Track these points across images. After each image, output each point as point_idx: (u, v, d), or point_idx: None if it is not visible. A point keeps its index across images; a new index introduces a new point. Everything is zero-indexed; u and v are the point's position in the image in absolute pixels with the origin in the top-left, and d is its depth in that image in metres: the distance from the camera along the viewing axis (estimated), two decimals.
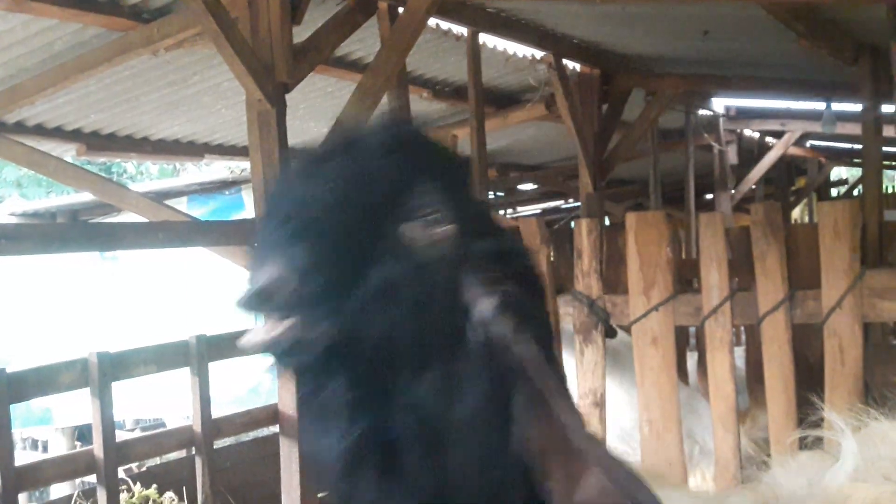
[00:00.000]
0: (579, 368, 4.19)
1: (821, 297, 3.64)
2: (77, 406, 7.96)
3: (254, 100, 4.20)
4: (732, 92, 9.85)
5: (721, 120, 10.68)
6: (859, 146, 7.13)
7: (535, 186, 13.89)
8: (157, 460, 5.80)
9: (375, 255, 1.18)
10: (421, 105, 7.33)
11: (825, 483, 1.67)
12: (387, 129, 1.29)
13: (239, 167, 9.07)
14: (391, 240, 1.19)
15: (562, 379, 1.27)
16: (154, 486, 5.17)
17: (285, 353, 1.19)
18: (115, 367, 3.50)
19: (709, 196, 13.57)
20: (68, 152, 7.22)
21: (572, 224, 4.58)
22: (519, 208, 15.84)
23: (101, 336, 8.60)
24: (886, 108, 6.48)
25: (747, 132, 11.83)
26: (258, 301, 1.16)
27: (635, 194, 14.30)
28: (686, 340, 6.85)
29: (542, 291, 1.30)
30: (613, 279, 5.41)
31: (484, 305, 1.18)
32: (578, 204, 9.02)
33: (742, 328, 6.07)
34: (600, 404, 4.15)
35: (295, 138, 6.92)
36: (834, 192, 18.69)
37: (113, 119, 6.87)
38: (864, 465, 1.67)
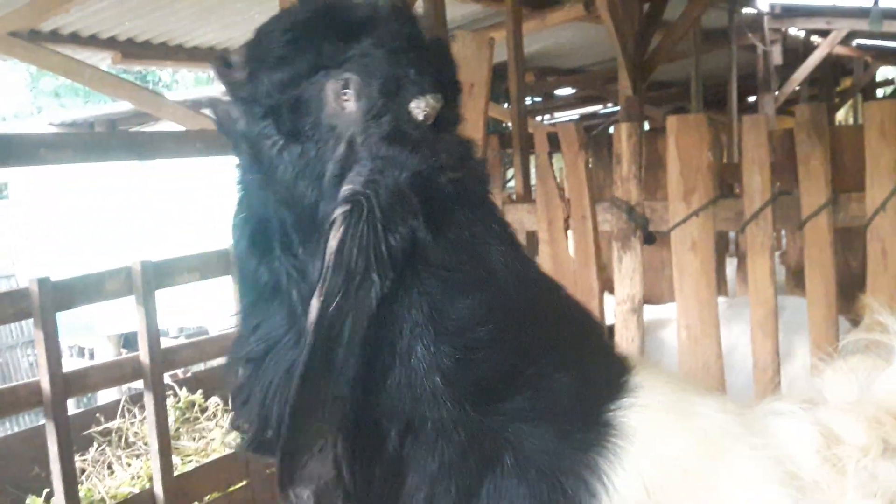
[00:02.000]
0: (617, 275, 4.18)
1: (865, 199, 3.57)
2: (121, 314, 8.14)
3: (288, 3, 4.14)
4: None
5: (765, 18, 10.38)
6: None
7: (574, 91, 13.68)
8: (201, 366, 5.94)
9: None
10: (455, 7, 7.19)
11: (876, 387, 1.58)
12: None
13: None
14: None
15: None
16: (200, 391, 5.30)
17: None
18: (158, 274, 3.55)
19: (752, 98, 13.32)
20: (104, 61, 7.21)
21: (611, 129, 4.51)
22: (557, 114, 15.66)
23: (143, 245, 8.73)
24: None
25: (792, 31, 11.50)
26: (219, 68, 1.47)
27: (676, 97, 14.06)
28: (725, 246, 6.81)
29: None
30: (653, 185, 5.36)
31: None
32: (617, 108, 8.88)
33: (783, 233, 6.01)
34: (637, 311, 4.15)
35: None
36: (880, 92, 18.25)
37: (148, 26, 6.83)
38: None
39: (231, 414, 1.61)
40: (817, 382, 1.63)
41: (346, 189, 1.33)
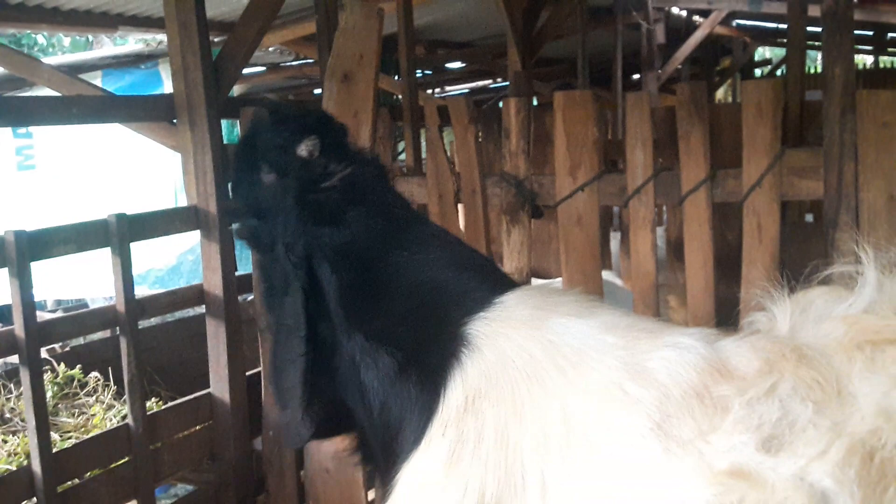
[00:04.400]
0: (506, 249, 4.23)
1: (742, 176, 3.70)
2: None
3: None
4: None
5: None
6: (784, 26, 7.16)
7: (464, 65, 13.71)
8: (80, 341, 5.76)
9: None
10: None
11: (834, 314, 1.63)
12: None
13: (156, 39, 8.72)
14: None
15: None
16: (78, 366, 5.14)
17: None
18: (33, 246, 3.41)
19: (636, 76, 13.61)
20: None
21: (500, 104, 4.54)
22: (447, 87, 15.67)
23: (19, 215, 8.38)
24: None
25: (675, 10, 11.79)
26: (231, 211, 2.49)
27: (563, 74, 14.24)
28: (610, 221, 6.97)
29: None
30: (540, 159, 5.43)
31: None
32: (507, 83, 8.95)
33: (664, 208, 6.18)
34: (526, 283, 4.21)
35: (213, 10, 6.68)
36: (758, 72, 18.90)
37: None
38: (880, 300, 1.60)
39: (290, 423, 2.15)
40: (772, 311, 1.70)
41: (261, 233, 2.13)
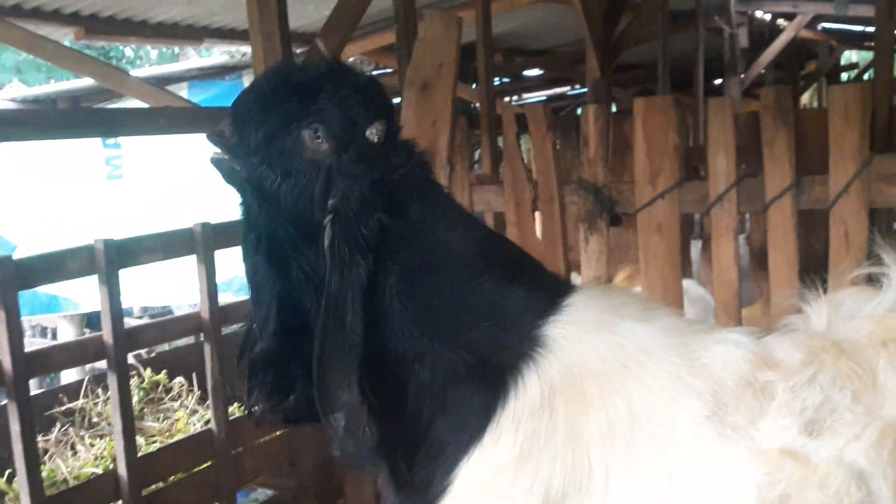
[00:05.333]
0: (584, 257, 4.19)
1: (828, 182, 3.61)
2: (85, 293, 8.05)
3: None
4: None
5: (732, 1, 10.42)
6: (872, 29, 6.96)
7: (542, 72, 13.67)
8: (165, 347, 5.89)
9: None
10: None
11: (863, 313, 1.79)
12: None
13: (240, 51, 8.92)
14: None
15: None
16: (164, 371, 5.26)
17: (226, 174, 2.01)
18: (121, 254, 3.51)
19: (718, 81, 13.37)
20: (67, 36, 7.08)
21: (579, 111, 4.51)
22: (525, 95, 15.64)
23: (107, 224, 8.63)
24: None
25: (758, 14, 11.57)
26: (213, 138, 1.99)
27: (643, 80, 14.09)
28: (691, 229, 6.87)
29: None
30: (620, 167, 5.38)
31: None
32: (585, 90, 8.88)
33: (748, 216, 6.06)
34: None
35: (296, 21, 6.78)
36: (844, 76, 18.44)
37: (111, 1, 6.71)
38: None
39: (254, 399, 2.09)
40: (807, 310, 1.90)
41: (330, 202, 1.89)
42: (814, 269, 3.92)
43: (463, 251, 1.97)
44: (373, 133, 1.92)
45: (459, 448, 1.84)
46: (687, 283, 4.61)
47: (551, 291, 1.97)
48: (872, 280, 1.88)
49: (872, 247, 1.93)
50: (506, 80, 13.40)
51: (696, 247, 6.56)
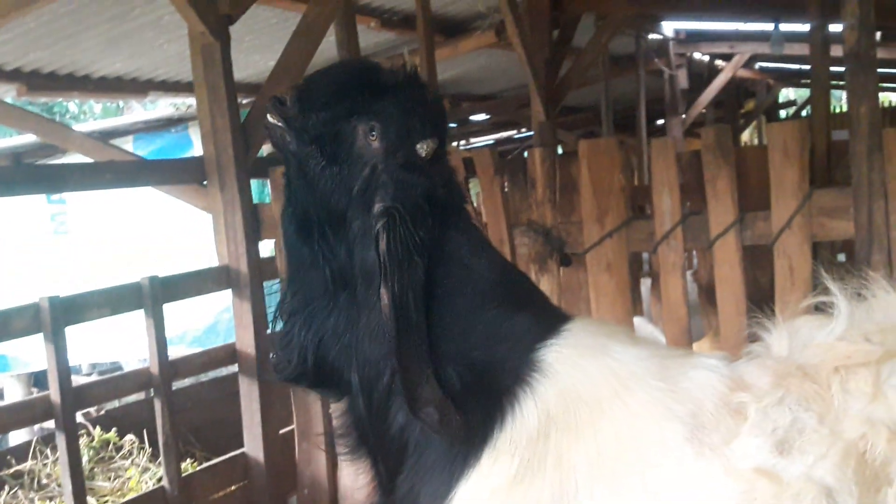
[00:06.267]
0: None
1: (771, 218, 3.68)
2: (33, 352, 7.88)
3: (196, 33, 4.10)
4: (681, 14, 9.83)
5: (671, 44, 10.67)
6: (807, 67, 7.15)
7: (488, 117, 13.82)
8: (115, 404, 5.78)
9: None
10: (369, 35, 7.21)
11: (816, 341, 1.89)
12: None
13: (185, 104, 8.89)
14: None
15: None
16: (114, 429, 5.16)
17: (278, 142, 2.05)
18: (67, 311, 3.45)
19: (660, 121, 13.63)
20: (8, 93, 7.02)
21: (525, 154, 4.56)
22: (472, 139, 15.78)
23: (54, 280, 8.48)
24: (834, 28, 6.51)
25: (697, 55, 11.84)
26: (274, 103, 2.03)
27: (587, 122, 14.31)
28: (640, 267, 6.93)
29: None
30: (567, 208, 5.42)
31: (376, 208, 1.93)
32: (531, 133, 8.99)
33: (694, 253, 6.14)
34: None
35: (241, 72, 6.78)
36: (782, 113, 18.86)
37: (53, 57, 6.66)
38: (852, 328, 1.87)
39: (273, 355, 2.15)
40: (767, 338, 1.98)
41: (379, 206, 1.93)
42: (761, 303, 4.00)
43: (484, 276, 2.04)
44: (423, 147, 1.98)
45: (455, 466, 1.90)
46: (637, 321, 4.66)
47: (553, 319, 2.05)
48: (819, 310, 1.96)
49: (817, 279, 2.00)
50: (452, 125, 13.51)
51: (645, 284, 6.62)
